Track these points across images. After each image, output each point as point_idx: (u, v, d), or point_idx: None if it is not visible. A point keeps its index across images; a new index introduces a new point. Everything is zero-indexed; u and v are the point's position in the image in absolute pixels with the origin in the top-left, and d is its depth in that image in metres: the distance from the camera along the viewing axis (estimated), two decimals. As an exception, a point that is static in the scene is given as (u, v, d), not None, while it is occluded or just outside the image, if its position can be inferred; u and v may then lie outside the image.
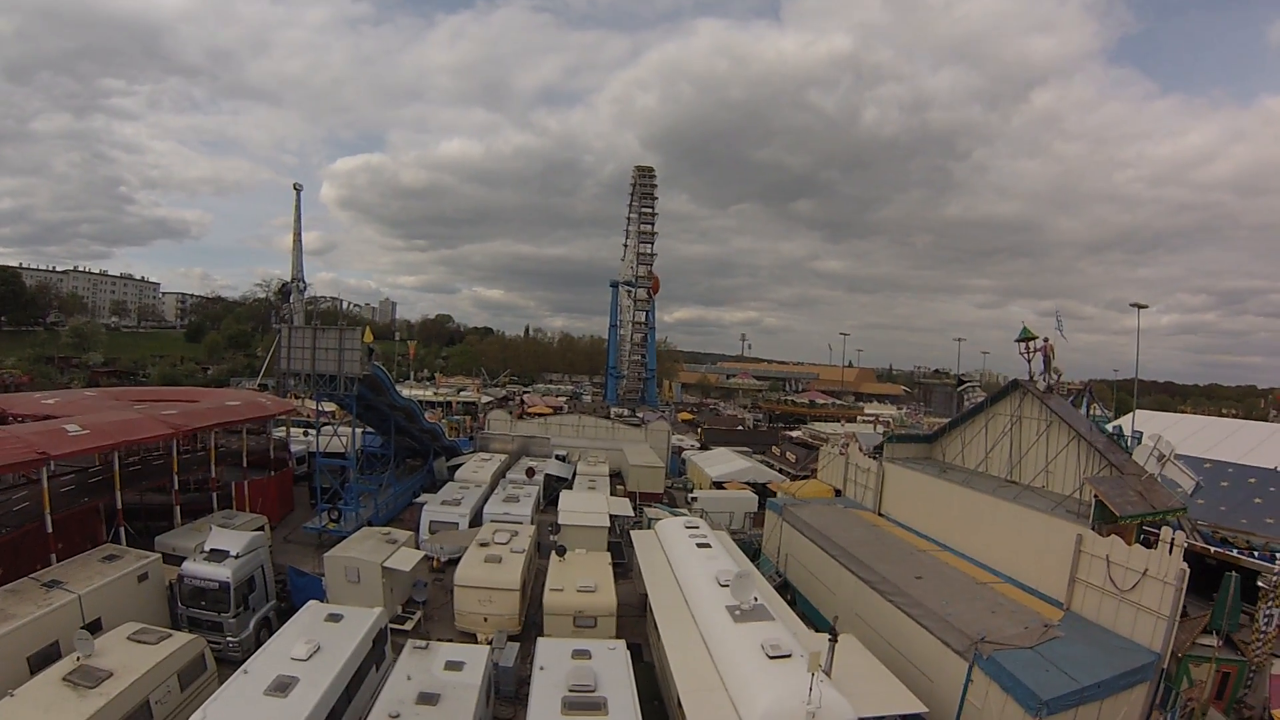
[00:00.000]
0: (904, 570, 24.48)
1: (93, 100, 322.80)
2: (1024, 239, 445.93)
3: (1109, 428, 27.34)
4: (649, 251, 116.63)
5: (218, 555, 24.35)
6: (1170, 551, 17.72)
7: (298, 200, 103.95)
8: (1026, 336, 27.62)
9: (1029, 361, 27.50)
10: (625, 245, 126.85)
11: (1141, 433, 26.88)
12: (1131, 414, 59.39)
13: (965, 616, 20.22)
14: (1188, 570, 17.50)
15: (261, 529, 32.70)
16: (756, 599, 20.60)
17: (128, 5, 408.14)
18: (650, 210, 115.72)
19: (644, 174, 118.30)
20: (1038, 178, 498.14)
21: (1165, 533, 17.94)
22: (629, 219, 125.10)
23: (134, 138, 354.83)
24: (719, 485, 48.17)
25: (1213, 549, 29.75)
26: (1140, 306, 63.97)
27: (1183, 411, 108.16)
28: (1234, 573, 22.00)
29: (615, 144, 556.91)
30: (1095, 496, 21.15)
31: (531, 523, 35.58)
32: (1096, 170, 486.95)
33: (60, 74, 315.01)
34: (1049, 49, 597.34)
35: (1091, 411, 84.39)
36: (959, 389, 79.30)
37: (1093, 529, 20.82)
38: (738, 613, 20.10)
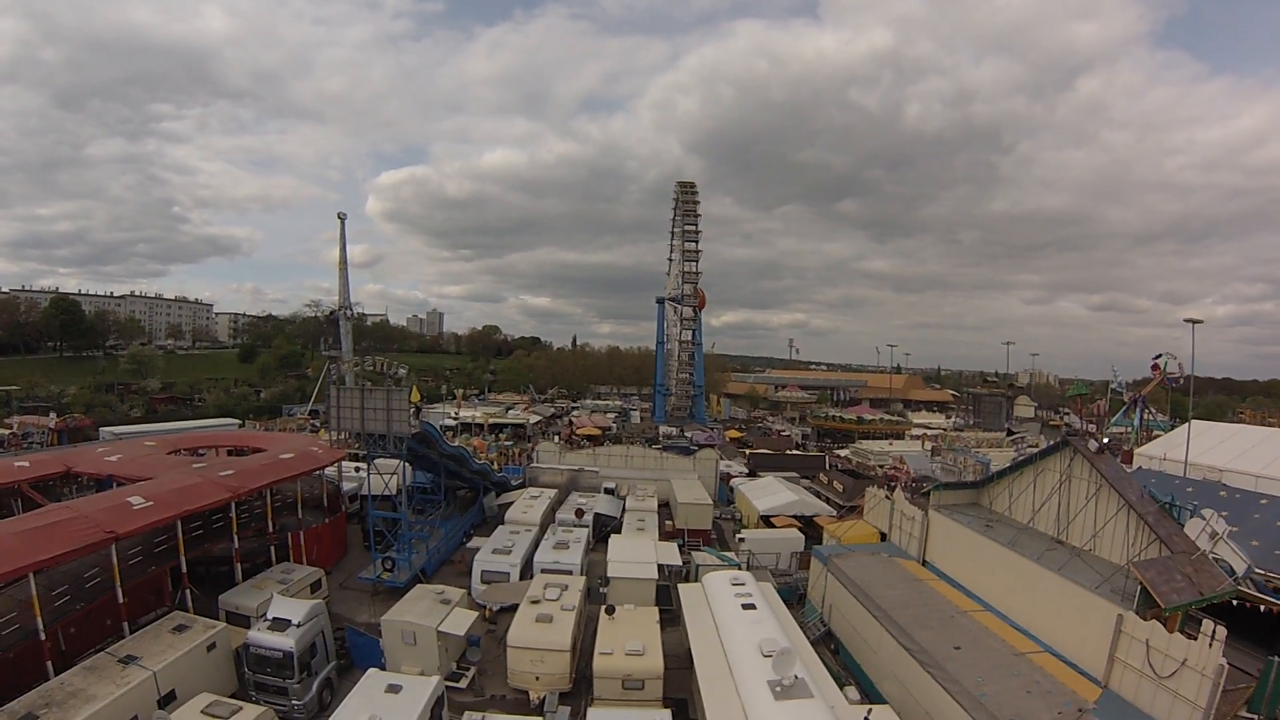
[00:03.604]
0: (943, 638, 24.53)
1: (144, 125, 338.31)
2: (1072, 232, 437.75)
3: (1160, 496, 26.93)
4: (694, 270, 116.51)
5: (280, 624, 25.73)
6: (1210, 645, 17.64)
7: (342, 230, 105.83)
8: (1078, 393, 27.59)
9: (1081, 418, 27.40)
10: (670, 260, 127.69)
11: (1196, 504, 26.48)
12: (1187, 425, 58.06)
13: (1000, 697, 20.31)
14: (1226, 667, 17.43)
15: (319, 582, 34.33)
16: (797, 676, 21.04)
17: (173, 32, 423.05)
18: (694, 228, 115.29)
19: (686, 190, 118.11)
20: (1085, 168, 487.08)
21: (1206, 625, 17.86)
22: (672, 233, 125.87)
23: (185, 159, 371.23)
24: (767, 519, 48.63)
25: (1265, 600, 29.07)
26: (1195, 321, 62.82)
27: (1241, 416, 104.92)
28: (1277, 658, 21.67)
29: (658, 149, 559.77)
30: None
31: (581, 571, 36.44)
32: (1145, 158, 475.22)
33: (111, 100, 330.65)
34: (1093, 35, 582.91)
35: (1145, 417, 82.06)
36: (1010, 438, 79.00)
37: (1136, 612, 20.65)
38: (778, 689, 20.59)
